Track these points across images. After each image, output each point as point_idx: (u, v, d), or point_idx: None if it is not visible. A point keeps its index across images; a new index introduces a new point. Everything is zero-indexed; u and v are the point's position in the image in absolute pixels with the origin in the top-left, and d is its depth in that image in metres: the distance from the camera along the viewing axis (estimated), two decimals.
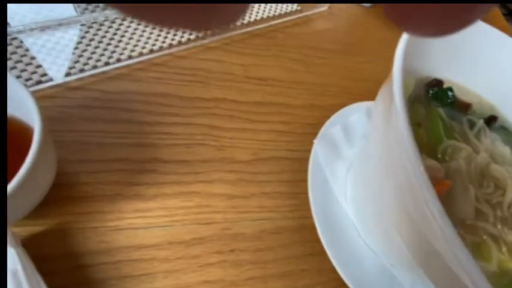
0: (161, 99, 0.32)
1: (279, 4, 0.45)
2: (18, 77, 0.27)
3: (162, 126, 0.30)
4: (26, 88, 0.20)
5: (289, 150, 0.35)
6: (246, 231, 0.29)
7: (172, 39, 0.34)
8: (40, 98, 0.27)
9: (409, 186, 0.18)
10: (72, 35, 0.29)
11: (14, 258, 0.20)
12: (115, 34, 0.32)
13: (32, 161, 0.17)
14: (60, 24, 0.29)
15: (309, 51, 0.44)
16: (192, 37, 0.36)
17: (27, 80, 0.27)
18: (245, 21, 0.41)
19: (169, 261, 0.25)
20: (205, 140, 0.32)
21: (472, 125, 0.29)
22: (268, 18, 0.43)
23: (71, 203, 0.25)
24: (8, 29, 0.28)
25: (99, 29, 0.31)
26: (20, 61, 0.27)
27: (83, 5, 0.32)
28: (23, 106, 0.20)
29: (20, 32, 0.28)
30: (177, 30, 0.36)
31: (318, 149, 0.32)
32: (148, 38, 0.33)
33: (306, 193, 0.31)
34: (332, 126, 0.34)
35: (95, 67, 0.29)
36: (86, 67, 0.29)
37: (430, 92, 0.29)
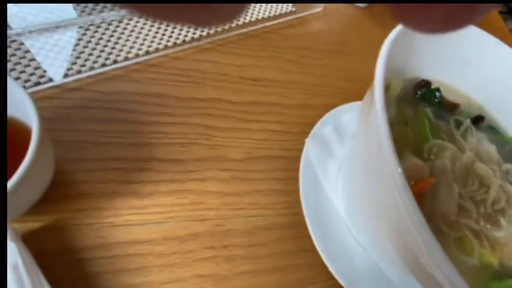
0: (157, 100, 0.33)
1: (273, 5, 0.46)
2: (17, 78, 0.28)
3: (157, 125, 0.31)
4: (25, 90, 0.21)
5: (283, 149, 0.36)
6: (238, 227, 0.30)
7: (168, 41, 0.35)
8: (39, 98, 0.28)
9: (387, 186, 0.19)
10: (69, 37, 0.30)
11: (14, 252, 0.21)
12: (112, 36, 0.33)
13: (31, 159, 0.18)
14: (58, 27, 0.30)
15: (304, 52, 0.45)
16: (187, 38, 0.37)
17: (26, 81, 0.28)
18: (240, 23, 0.42)
19: (164, 256, 0.26)
20: (199, 139, 0.32)
21: (459, 124, 0.30)
22: (263, 20, 0.44)
23: (69, 200, 0.26)
24: (8, 31, 0.29)
25: (96, 31, 0.32)
26: (19, 63, 0.28)
27: (81, 7, 0.33)
28: (21, 107, 0.21)
29: (19, 34, 0.29)
30: (182, 26, 0.37)
31: (310, 148, 0.33)
32: (144, 39, 0.34)
33: (299, 191, 0.32)
34: (324, 126, 0.35)
35: (92, 68, 0.30)
36: (83, 68, 0.30)
37: (418, 92, 0.30)
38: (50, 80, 0.28)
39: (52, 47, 0.29)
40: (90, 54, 0.31)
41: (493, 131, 0.32)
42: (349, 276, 0.30)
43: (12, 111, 0.22)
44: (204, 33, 0.38)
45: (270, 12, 0.45)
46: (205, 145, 0.33)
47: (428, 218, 0.23)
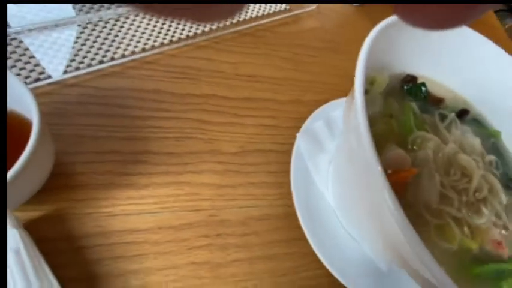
0: (153, 95, 0.34)
1: (268, 3, 0.47)
2: (18, 75, 0.29)
3: (153, 120, 0.32)
4: (25, 85, 0.22)
5: (276, 143, 0.37)
6: (232, 217, 0.31)
7: (164, 39, 0.36)
8: (38, 94, 0.29)
9: (367, 180, 0.20)
10: (68, 35, 0.31)
11: (16, 238, 0.22)
12: (109, 34, 0.34)
13: (31, 149, 0.19)
14: (56, 25, 0.31)
15: (298, 50, 0.46)
16: (182, 36, 0.38)
17: (26, 77, 0.29)
18: (235, 21, 0.43)
19: (160, 244, 0.28)
20: (194, 134, 0.34)
21: (443, 118, 0.31)
22: (258, 18, 0.45)
23: (68, 190, 0.27)
24: (7, 29, 0.30)
25: (93, 29, 0.33)
26: (19, 60, 0.29)
27: (79, 6, 0.34)
28: (22, 101, 0.22)
29: (18, 32, 0.30)
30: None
31: (301, 142, 0.34)
32: (141, 37, 0.35)
33: (291, 183, 0.33)
34: (315, 121, 0.36)
35: (90, 65, 0.31)
36: (81, 65, 0.31)
37: (405, 87, 0.31)
38: (49, 76, 0.29)
39: (51, 45, 0.31)
40: (88, 52, 0.32)
41: (478, 125, 0.33)
42: (340, 265, 0.31)
43: (13, 105, 0.23)
44: (199, 31, 0.40)
45: (264, 11, 0.46)
46: (200, 139, 0.34)
47: (410, 206, 0.25)
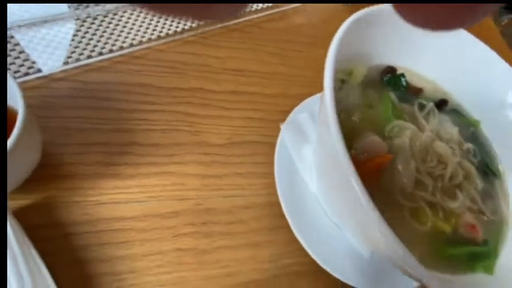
0: (140, 89, 0.35)
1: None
2: (7, 69, 0.30)
3: (139, 113, 0.33)
4: (12, 76, 0.23)
5: (262, 135, 0.38)
6: (218, 206, 0.32)
7: (152, 34, 0.37)
8: (27, 88, 0.30)
9: (336, 165, 0.21)
10: (56, 31, 0.33)
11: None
12: (97, 30, 0.35)
13: (16, 135, 0.20)
14: (45, 21, 0.32)
15: (284, 45, 0.47)
16: (170, 32, 0.39)
17: (15, 72, 0.30)
18: None
19: (146, 231, 0.29)
20: (180, 126, 0.35)
21: (422, 107, 0.32)
22: (245, 13, 0.46)
23: (56, 180, 0.28)
24: None
25: (82, 25, 0.34)
26: (9, 55, 0.30)
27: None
28: (10, 94, 0.23)
29: (9, 28, 0.31)
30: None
31: (284, 133, 0.35)
32: (129, 33, 0.36)
33: None
34: (300, 113, 0.37)
35: (78, 60, 0.32)
36: (69, 60, 0.32)
37: (384, 78, 0.32)
38: (38, 70, 0.30)
39: (40, 41, 0.32)
40: (76, 47, 0.33)
41: (458, 114, 0.34)
42: (323, 252, 0.32)
43: None
44: (186, 27, 0.41)
45: (251, 6, 0.47)
46: (187, 131, 0.35)
47: (385, 190, 0.26)
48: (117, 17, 0.37)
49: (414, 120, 0.31)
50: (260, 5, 0.48)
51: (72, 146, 0.30)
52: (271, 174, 0.35)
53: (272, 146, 0.37)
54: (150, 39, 0.37)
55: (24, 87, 0.31)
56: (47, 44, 0.32)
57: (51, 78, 0.32)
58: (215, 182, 0.33)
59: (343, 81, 0.29)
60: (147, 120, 0.34)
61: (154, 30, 0.38)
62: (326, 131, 0.21)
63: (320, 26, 0.52)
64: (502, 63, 0.33)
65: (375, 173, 0.26)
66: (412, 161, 0.27)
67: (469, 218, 0.27)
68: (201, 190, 0.32)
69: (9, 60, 0.30)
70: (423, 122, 0.31)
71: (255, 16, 0.47)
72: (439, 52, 0.34)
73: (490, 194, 0.31)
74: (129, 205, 0.29)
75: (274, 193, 0.34)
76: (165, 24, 0.39)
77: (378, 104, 0.30)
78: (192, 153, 0.34)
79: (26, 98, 0.23)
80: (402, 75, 0.33)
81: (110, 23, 0.36)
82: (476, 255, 0.27)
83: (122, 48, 0.35)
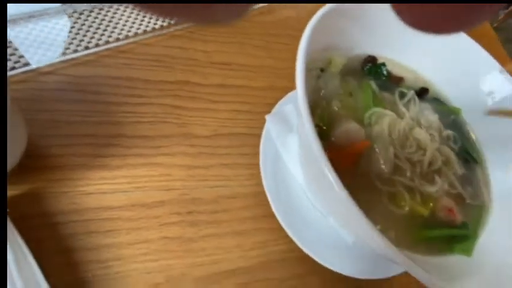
0: (127, 83, 0.36)
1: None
2: None
3: (126, 106, 0.34)
4: None
5: (249, 127, 0.39)
6: (204, 196, 0.33)
7: (138, 28, 0.38)
8: (15, 82, 0.31)
9: (311, 152, 0.22)
10: (42, 26, 0.34)
11: None
12: (83, 24, 0.36)
13: None
14: (31, 16, 0.33)
15: (272, 38, 0.48)
16: (157, 26, 0.40)
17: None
18: None
19: (132, 220, 0.30)
20: (167, 118, 0.36)
21: (403, 95, 0.33)
22: None
23: (45, 171, 0.29)
24: None
25: (68, 20, 0.35)
26: None
27: None
28: None
29: None
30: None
31: (270, 124, 0.36)
32: (115, 27, 0.37)
33: None
34: (285, 105, 0.38)
35: (64, 54, 0.33)
36: (56, 54, 0.33)
37: (366, 67, 0.33)
38: (25, 64, 0.31)
39: (27, 35, 0.33)
40: (62, 41, 0.34)
41: (439, 103, 0.35)
42: (308, 239, 0.33)
43: None
44: (173, 21, 0.42)
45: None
46: (174, 123, 0.36)
47: (363, 175, 0.27)
48: (103, 12, 0.38)
49: (394, 108, 0.32)
50: None
51: (60, 138, 0.31)
52: (257, 165, 0.36)
53: (259, 137, 0.38)
54: (136, 34, 0.38)
55: (12, 81, 0.32)
56: (34, 39, 0.33)
57: (38, 72, 0.32)
58: (201, 173, 0.34)
59: (322, 70, 0.30)
60: (134, 113, 0.34)
61: (140, 24, 0.39)
62: (300, 119, 0.22)
63: (307, 19, 0.53)
64: (483, 52, 0.34)
65: (353, 159, 0.27)
66: (391, 147, 0.28)
67: (446, 201, 0.28)
68: (187, 180, 0.33)
69: None
70: (403, 109, 0.32)
71: None
72: (420, 42, 0.35)
73: (470, 180, 0.32)
74: (116, 195, 0.30)
75: (260, 183, 0.35)
76: (151, 18, 0.40)
77: (359, 92, 0.31)
78: (179, 144, 0.35)
79: (10, 91, 0.24)
80: (383, 64, 0.34)
81: (96, 17, 0.37)
82: (454, 237, 0.28)
83: (108, 42, 0.36)
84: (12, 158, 0.26)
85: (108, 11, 0.38)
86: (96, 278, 0.27)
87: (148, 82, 0.37)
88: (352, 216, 0.20)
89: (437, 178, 0.29)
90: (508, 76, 0.32)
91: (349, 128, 0.27)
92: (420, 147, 0.30)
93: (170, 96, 0.37)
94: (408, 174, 0.28)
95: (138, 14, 0.40)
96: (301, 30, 0.51)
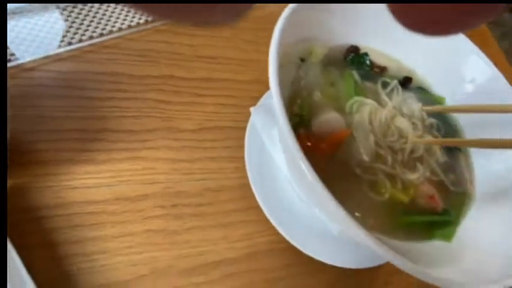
0: (111, 78, 0.36)
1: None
2: None
3: (111, 101, 0.35)
4: None
5: (235, 120, 0.40)
6: (189, 189, 0.34)
7: (122, 24, 0.39)
8: None
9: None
10: (25, 22, 0.34)
11: None
12: (66, 20, 0.36)
13: None
14: (13, 13, 0.34)
15: (261, 33, 0.49)
16: (141, 21, 0.41)
17: None
18: None
19: (117, 214, 0.30)
20: (152, 112, 0.36)
21: (386, 85, 0.34)
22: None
23: (29, 166, 0.30)
24: None
25: (51, 16, 0.36)
26: None
27: None
28: None
29: None
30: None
31: (254, 116, 0.36)
32: (99, 23, 0.38)
33: None
34: (271, 98, 0.39)
35: (47, 50, 0.34)
36: (38, 50, 0.34)
37: (348, 57, 0.34)
38: (8, 60, 0.32)
39: (9, 32, 0.33)
40: (45, 38, 0.34)
41: (423, 91, 0.36)
42: (294, 230, 0.34)
43: None
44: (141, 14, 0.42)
45: None
46: (158, 117, 0.36)
47: (344, 163, 0.28)
48: (87, 7, 0.38)
49: (377, 97, 0.32)
50: None
51: (45, 133, 0.32)
52: (241, 158, 0.37)
53: (244, 130, 0.38)
54: (120, 29, 0.39)
55: None
56: (16, 35, 0.33)
57: (21, 68, 0.33)
58: (186, 166, 0.35)
59: (302, 60, 0.31)
60: (119, 108, 0.35)
61: (124, 19, 0.40)
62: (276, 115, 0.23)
63: None
64: (466, 41, 0.35)
65: (334, 148, 0.28)
66: (371, 136, 0.29)
67: (427, 188, 0.29)
68: (171, 174, 0.34)
69: None
70: (386, 98, 0.32)
71: None
72: (402, 31, 0.35)
73: (453, 167, 0.32)
74: (101, 189, 0.31)
75: (245, 176, 0.36)
76: (135, 13, 0.41)
77: (340, 82, 0.32)
78: (163, 138, 0.35)
79: None
80: (366, 54, 0.34)
81: (79, 13, 0.38)
82: (435, 223, 0.28)
83: (91, 37, 0.37)
84: None
85: (92, 6, 0.38)
86: (81, 271, 0.28)
87: (133, 77, 0.38)
88: (326, 204, 0.21)
89: (419, 165, 0.30)
90: (486, 59, 0.33)
91: (329, 117, 0.28)
92: (402, 136, 0.31)
93: (155, 91, 0.38)
94: (390, 162, 0.29)
95: (122, 9, 0.40)
96: None
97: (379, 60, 0.35)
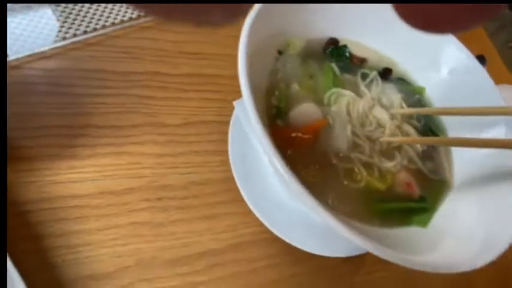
0: (95, 74, 0.37)
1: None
2: None
3: (95, 97, 0.36)
4: None
5: (219, 114, 0.41)
6: (174, 183, 0.35)
7: (106, 21, 0.40)
8: None
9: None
10: (9, 21, 0.35)
11: None
12: (50, 19, 0.37)
13: None
14: None
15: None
16: (125, 18, 0.41)
17: None
18: None
19: (101, 207, 0.31)
20: (137, 108, 0.37)
21: (365, 77, 0.35)
22: None
23: (14, 162, 0.31)
24: None
25: (34, 15, 0.37)
26: None
27: None
28: None
29: None
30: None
31: (238, 109, 0.37)
32: (82, 20, 0.39)
33: None
34: None
35: (31, 49, 0.35)
36: (21, 49, 0.34)
37: (327, 50, 0.35)
38: None
39: None
40: (28, 36, 0.35)
41: (403, 82, 0.37)
42: (277, 221, 0.34)
43: None
44: (142, 13, 0.43)
45: None
46: (143, 113, 0.37)
47: (321, 153, 0.29)
48: (70, 5, 0.39)
49: (355, 88, 0.33)
50: None
51: (29, 130, 0.33)
52: (225, 152, 0.38)
53: (228, 124, 0.39)
54: (104, 26, 0.40)
55: None
56: None
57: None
58: (171, 160, 0.36)
59: (280, 52, 0.32)
60: (104, 104, 0.36)
61: (108, 17, 0.41)
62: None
63: None
64: None
65: (311, 139, 0.29)
66: (349, 126, 0.30)
67: (405, 176, 0.30)
68: (157, 168, 0.35)
69: None
70: (364, 89, 0.33)
71: None
72: (382, 22, 0.36)
73: (431, 156, 0.33)
74: (85, 183, 0.32)
75: (229, 169, 0.36)
76: (119, 11, 0.42)
77: (319, 74, 0.33)
78: (148, 133, 0.36)
79: None
80: (345, 46, 0.35)
81: (63, 11, 0.38)
82: (412, 210, 0.29)
83: (75, 35, 0.38)
84: None
85: (75, 4, 0.39)
86: (65, 263, 0.29)
87: (117, 73, 0.39)
88: (296, 192, 0.22)
89: (396, 154, 0.31)
90: (465, 49, 0.34)
91: (306, 108, 0.29)
92: (380, 125, 0.32)
93: (139, 87, 0.39)
94: (367, 151, 0.30)
95: (105, 7, 0.41)
96: None
97: (359, 52, 0.36)
